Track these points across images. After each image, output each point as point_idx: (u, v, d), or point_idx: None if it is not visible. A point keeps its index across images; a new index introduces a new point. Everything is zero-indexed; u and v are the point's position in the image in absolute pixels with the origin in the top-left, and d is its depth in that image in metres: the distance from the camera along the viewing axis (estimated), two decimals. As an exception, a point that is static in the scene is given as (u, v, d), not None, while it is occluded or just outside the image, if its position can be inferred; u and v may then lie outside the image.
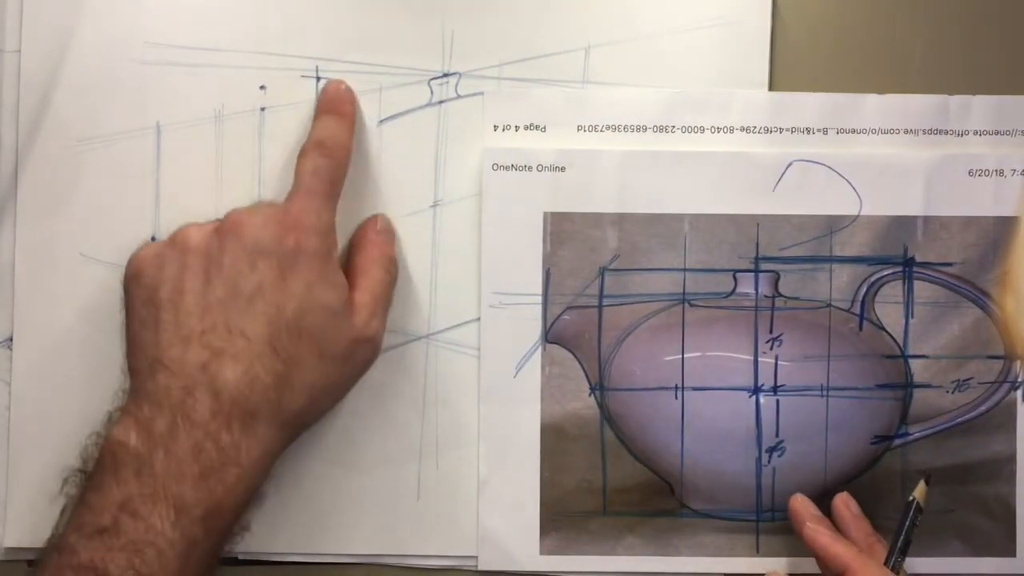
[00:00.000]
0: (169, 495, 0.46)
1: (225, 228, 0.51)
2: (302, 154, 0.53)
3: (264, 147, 0.56)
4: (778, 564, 0.56)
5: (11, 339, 0.55)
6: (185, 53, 0.55)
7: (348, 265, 0.54)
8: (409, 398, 0.56)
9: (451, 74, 0.56)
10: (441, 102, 0.56)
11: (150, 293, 0.50)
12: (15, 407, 0.55)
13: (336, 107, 0.54)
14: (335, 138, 0.53)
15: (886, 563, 0.52)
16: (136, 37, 0.55)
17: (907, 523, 0.53)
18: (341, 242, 0.54)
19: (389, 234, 0.55)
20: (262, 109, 0.55)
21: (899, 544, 0.53)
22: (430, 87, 0.56)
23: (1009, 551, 0.56)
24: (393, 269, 0.55)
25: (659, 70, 0.56)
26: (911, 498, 0.54)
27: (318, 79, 0.55)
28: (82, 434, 0.52)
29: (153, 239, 0.55)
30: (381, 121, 0.56)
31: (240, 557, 0.56)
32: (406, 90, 0.56)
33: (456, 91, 0.56)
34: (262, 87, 0.55)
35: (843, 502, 0.55)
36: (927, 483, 0.54)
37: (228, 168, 0.55)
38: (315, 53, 0.55)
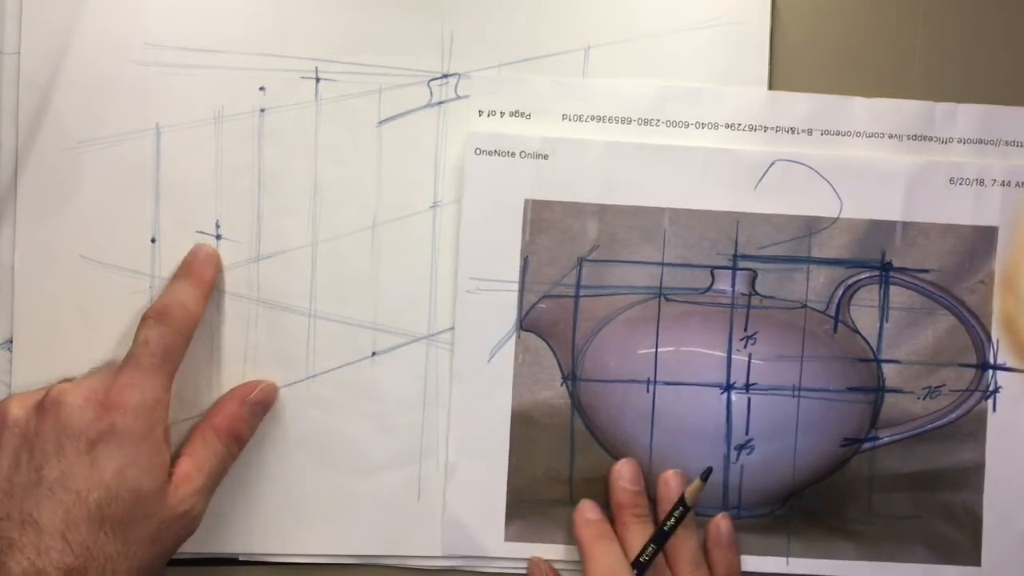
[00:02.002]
0: None
1: (44, 406, 0.50)
2: (143, 319, 0.52)
3: (264, 148, 0.56)
4: (742, 561, 0.56)
5: (11, 340, 0.55)
6: (185, 54, 0.55)
7: (197, 423, 0.54)
8: (410, 398, 0.56)
9: (451, 75, 0.56)
10: (441, 103, 0.56)
11: None
12: None
13: (193, 271, 0.54)
14: (182, 305, 0.53)
15: (640, 555, 0.52)
16: (136, 38, 0.55)
17: (669, 516, 0.53)
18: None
19: (256, 408, 0.54)
20: (262, 110, 0.55)
21: (654, 535, 0.53)
22: (430, 88, 0.56)
23: (974, 560, 0.57)
24: (235, 448, 0.54)
25: (659, 70, 0.56)
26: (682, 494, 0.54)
27: (318, 80, 0.55)
28: None
29: (153, 240, 0.55)
30: (381, 122, 0.56)
31: (240, 558, 0.56)
32: (406, 91, 0.56)
33: (456, 92, 0.56)
34: (262, 88, 0.55)
35: (715, 524, 0.55)
36: (703, 480, 0.53)
37: (228, 169, 0.55)
38: (315, 54, 0.55)
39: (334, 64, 0.56)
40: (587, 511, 0.55)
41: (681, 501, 0.53)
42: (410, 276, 0.56)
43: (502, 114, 0.56)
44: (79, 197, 0.55)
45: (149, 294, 0.55)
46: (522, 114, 0.56)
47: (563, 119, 0.56)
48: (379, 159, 0.56)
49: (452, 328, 0.56)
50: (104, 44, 0.55)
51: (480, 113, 0.56)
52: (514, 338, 0.56)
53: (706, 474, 0.53)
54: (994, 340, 0.57)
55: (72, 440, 0.49)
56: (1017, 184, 0.56)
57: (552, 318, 0.56)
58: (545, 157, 0.56)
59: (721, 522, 0.55)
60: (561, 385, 0.56)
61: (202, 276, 0.54)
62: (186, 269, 0.54)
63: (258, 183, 0.55)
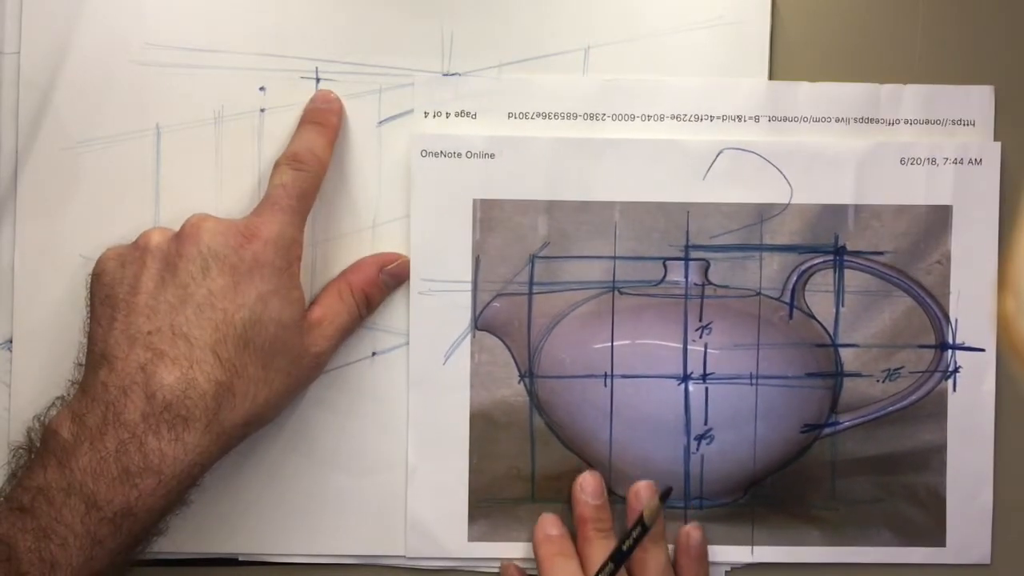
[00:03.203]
0: (84, 491, 0.47)
1: (185, 232, 0.51)
2: (276, 165, 0.53)
3: (264, 148, 0.56)
4: (709, 551, 0.56)
5: (11, 341, 0.55)
6: (185, 54, 0.55)
7: (333, 280, 0.55)
8: (409, 399, 0.56)
9: (451, 75, 0.56)
10: None
11: (108, 291, 0.51)
12: (15, 408, 0.55)
13: (319, 117, 0.55)
14: (311, 151, 0.53)
15: (598, 573, 0.52)
16: (136, 38, 0.55)
17: (627, 536, 0.53)
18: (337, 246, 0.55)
19: (391, 279, 0.55)
20: (262, 110, 0.56)
21: (612, 553, 0.52)
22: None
23: (939, 541, 0.56)
24: (365, 310, 0.55)
25: (659, 70, 0.56)
26: (641, 513, 0.53)
27: (318, 80, 0.55)
28: None
29: None
30: (380, 122, 0.56)
31: (240, 558, 0.56)
32: (405, 91, 0.56)
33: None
34: (262, 88, 0.56)
35: (686, 534, 0.55)
36: (662, 500, 0.53)
37: (228, 169, 0.56)
38: (315, 54, 0.56)
39: (334, 64, 0.56)
40: (548, 526, 0.55)
41: (640, 521, 0.53)
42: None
43: (447, 115, 0.56)
44: (79, 197, 0.55)
45: None
46: (468, 114, 0.56)
47: (509, 117, 0.56)
48: (379, 159, 0.56)
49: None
50: (104, 44, 0.55)
51: (426, 115, 0.56)
52: (469, 338, 0.56)
53: (665, 494, 0.53)
54: (952, 320, 0.56)
55: (216, 263, 0.50)
56: (970, 161, 0.56)
57: (506, 316, 0.56)
58: (492, 156, 0.56)
59: (692, 532, 0.55)
60: (519, 383, 0.56)
61: (328, 122, 0.55)
62: (312, 115, 0.55)
63: (258, 183, 0.55)
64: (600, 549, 0.54)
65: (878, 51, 0.57)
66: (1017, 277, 0.55)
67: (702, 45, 0.56)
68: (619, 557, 0.52)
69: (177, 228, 0.52)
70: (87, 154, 0.55)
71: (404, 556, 0.56)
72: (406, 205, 0.56)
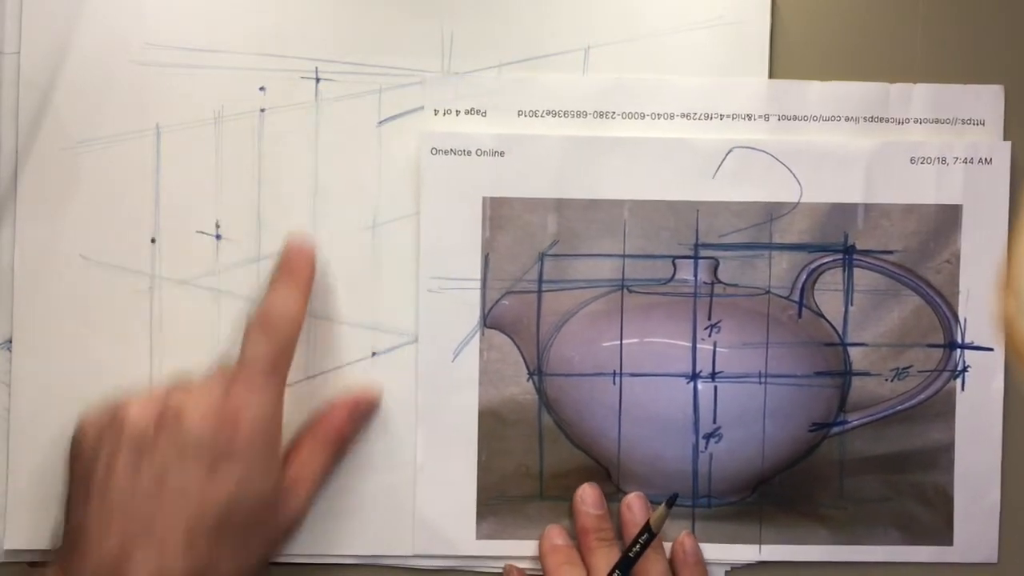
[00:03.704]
0: None
1: (164, 418, 0.50)
2: (248, 328, 0.52)
3: (264, 148, 0.56)
4: (713, 550, 0.56)
5: (11, 341, 0.55)
6: (185, 54, 0.55)
7: (302, 430, 0.54)
8: (409, 399, 0.56)
9: (459, 73, 0.56)
10: None
11: (86, 467, 0.50)
12: (15, 409, 0.55)
13: (291, 271, 0.54)
14: (284, 311, 0.52)
15: None
16: (136, 38, 0.55)
17: (635, 543, 0.53)
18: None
19: (361, 418, 0.55)
20: (262, 110, 0.55)
21: (619, 562, 0.53)
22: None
23: (946, 540, 0.56)
24: (340, 455, 0.55)
25: (659, 70, 0.56)
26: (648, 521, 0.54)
27: (318, 80, 0.55)
28: None
29: (153, 241, 0.55)
30: (380, 122, 0.56)
31: None
32: (405, 91, 0.56)
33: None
34: (262, 88, 0.55)
35: (680, 544, 0.55)
36: (668, 507, 0.53)
37: (228, 170, 0.55)
38: (315, 54, 0.55)
39: (334, 64, 0.55)
40: (554, 536, 0.55)
41: (647, 527, 0.53)
42: (410, 276, 0.56)
43: (457, 112, 0.56)
44: (79, 197, 0.55)
45: (149, 294, 0.55)
46: (478, 112, 0.56)
47: (519, 115, 0.56)
48: (379, 159, 0.56)
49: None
50: (104, 44, 0.55)
51: (435, 112, 0.56)
52: (478, 336, 0.56)
53: (671, 500, 0.54)
54: (961, 319, 0.56)
55: (193, 453, 0.49)
56: (980, 161, 0.56)
57: (515, 314, 0.56)
58: (501, 154, 0.56)
59: (686, 540, 0.55)
60: (527, 381, 0.56)
61: (300, 275, 0.54)
62: (284, 269, 0.54)
63: (258, 183, 0.55)
64: (604, 558, 0.54)
65: (879, 51, 0.57)
66: (1018, 278, 0.55)
67: (702, 45, 0.56)
68: (626, 564, 0.52)
69: (117, 401, 0.51)
70: (87, 154, 0.55)
71: (409, 555, 0.56)
72: (405, 205, 0.56)
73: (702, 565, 0.55)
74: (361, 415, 0.55)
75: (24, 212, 0.55)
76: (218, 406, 0.50)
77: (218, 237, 0.56)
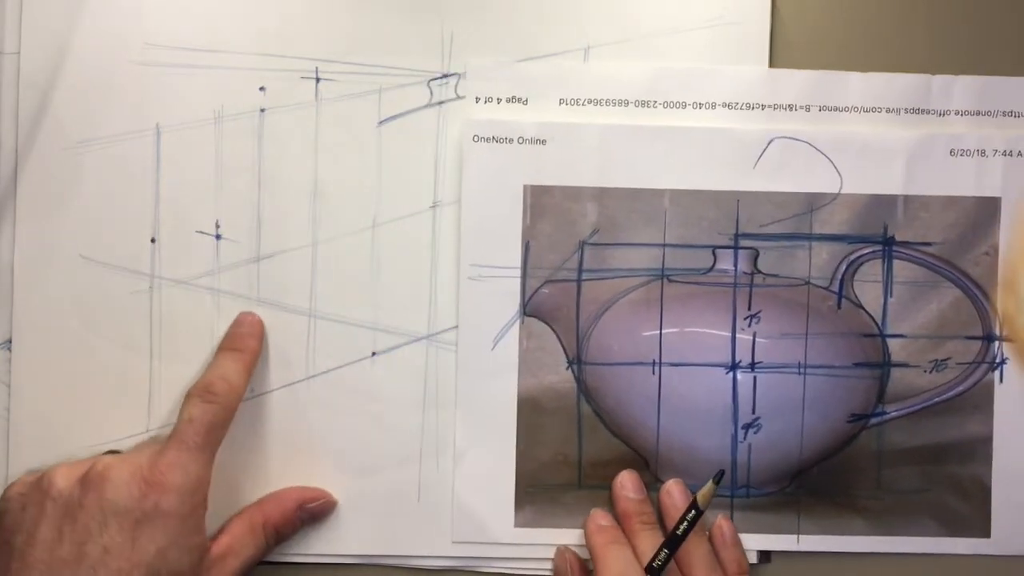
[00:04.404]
0: None
1: (89, 479, 0.50)
2: (188, 396, 0.52)
3: (263, 148, 0.55)
4: (751, 540, 0.56)
5: (10, 341, 0.55)
6: (185, 54, 0.55)
7: (249, 507, 0.54)
8: (410, 399, 0.56)
9: (451, 75, 0.56)
10: (441, 103, 0.56)
11: (8, 536, 0.50)
12: (15, 409, 0.55)
13: (237, 343, 0.54)
14: (224, 379, 0.53)
15: (653, 559, 0.52)
16: (136, 38, 0.55)
17: (682, 521, 0.53)
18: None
19: (311, 518, 0.55)
20: (261, 110, 0.55)
21: (667, 540, 0.53)
22: (429, 88, 0.56)
23: (984, 532, 0.57)
24: (274, 544, 0.54)
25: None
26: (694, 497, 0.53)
27: (318, 80, 0.55)
28: (82, 436, 0.54)
29: (153, 240, 0.55)
30: (380, 122, 0.56)
31: None
32: (405, 91, 0.56)
33: (456, 92, 0.56)
34: (262, 88, 0.55)
35: (719, 527, 0.55)
36: (716, 483, 0.53)
37: (227, 169, 0.55)
38: (315, 54, 0.55)
39: (334, 64, 0.55)
40: (599, 518, 0.55)
41: (694, 504, 0.53)
42: (410, 276, 0.56)
43: (499, 100, 0.56)
44: (79, 197, 0.55)
45: (149, 294, 0.55)
46: (519, 100, 0.56)
47: (560, 104, 0.56)
48: (379, 159, 0.56)
49: (454, 327, 0.56)
50: (104, 44, 0.55)
51: (477, 100, 0.56)
52: (518, 324, 0.56)
53: (718, 477, 0.53)
54: (1000, 311, 0.56)
55: (116, 518, 0.49)
56: (1019, 154, 0.56)
57: (555, 303, 0.56)
58: (543, 142, 0.56)
59: (724, 524, 0.55)
60: (566, 369, 0.56)
61: (246, 348, 0.54)
62: (230, 341, 0.55)
63: (258, 183, 0.55)
64: (647, 540, 0.54)
65: (880, 50, 0.57)
66: (1017, 278, 0.56)
67: (701, 45, 0.56)
68: (673, 542, 0.52)
69: (44, 468, 0.51)
70: (87, 154, 0.55)
71: (426, 555, 0.56)
72: (406, 205, 0.56)
73: (740, 545, 0.55)
74: (309, 513, 0.55)
75: (24, 212, 0.55)
76: (146, 468, 0.50)
77: (218, 237, 0.56)
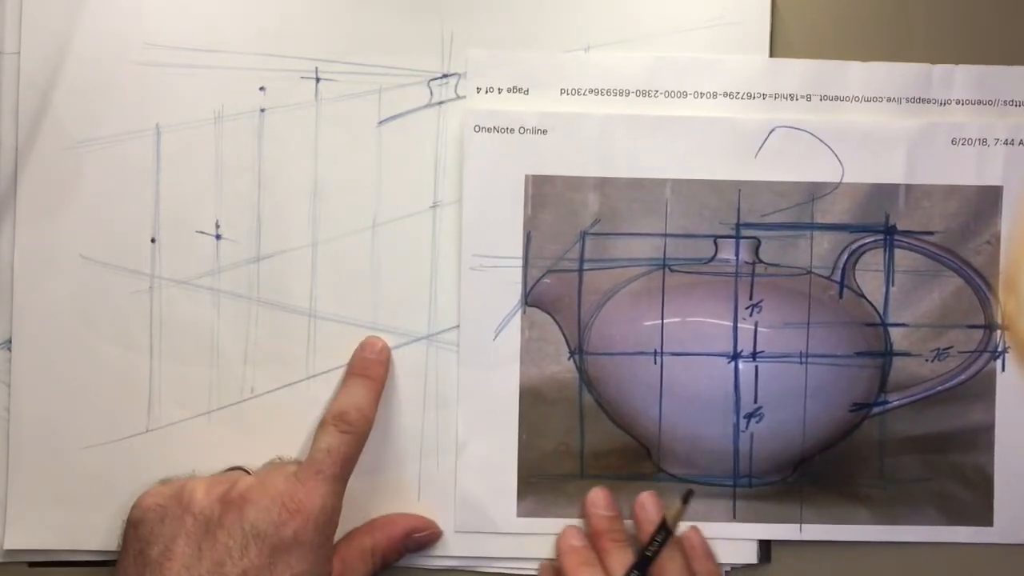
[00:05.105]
0: None
1: (231, 499, 0.50)
2: (323, 424, 0.53)
3: (264, 148, 0.56)
4: (754, 529, 0.56)
5: (10, 341, 0.55)
6: (185, 54, 0.55)
7: (361, 532, 0.55)
8: (410, 399, 0.56)
9: (451, 75, 0.56)
10: (441, 103, 0.56)
11: (143, 546, 0.50)
12: (15, 409, 0.55)
13: (367, 370, 0.55)
14: (358, 409, 0.53)
15: None
16: (136, 38, 0.55)
17: (651, 541, 0.53)
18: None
19: (418, 547, 0.55)
20: (262, 110, 0.55)
21: (637, 561, 0.52)
22: (429, 88, 0.56)
23: (986, 520, 0.56)
24: (381, 569, 0.55)
25: None
26: (663, 516, 0.54)
27: (318, 80, 0.55)
28: (82, 436, 0.54)
29: (153, 240, 0.55)
30: (380, 122, 0.56)
31: None
32: (406, 91, 0.56)
33: (456, 92, 0.56)
34: (262, 88, 0.55)
35: (688, 539, 0.55)
36: (684, 503, 0.53)
37: (227, 169, 0.55)
38: (315, 54, 0.55)
39: (334, 64, 0.55)
40: (571, 537, 0.55)
41: (663, 526, 0.53)
42: (410, 276, 0.56)
43: (500, 91, 0.56)
44: (79, 197, 0.55)
45: (149, 294, 0.55)
46: (520, 90, 0.56)
47: (561, 94, 0.56)
48: (379, 159, 0.56)
49: (455, 327, 0.56)
50: (104, 44, 0.55)
51: (478, 90, 0.56)
52: (519, 314, 0.56)
53: (687, 496, 0.54)
54: (1002, 300, 0.56)
55: (256, 541, 0.49)
56: (1020, 142, 0.56)
57: (557, 293, 0.56)
58: (544, 132, 0.56)
59: (693, 536, 0.55)
60: (568, 359, 0.56)
61: (376, 376, 0.55)
62: (360, 367, 0.55)
63: (258, 183, 0.55)
64: (618, 558, 0.53)
65: (880, 43, 0.57)
66: (1018, 278, 0.56)
67: (702, 45, 0.56)
68: (643, 563, 0.52)
69: (182, 481, 0.52)
70: (87, 154, 0.55)
71: (425, 555, 0.56)
72: (406, 205, 0.56)
73: (711, 555, 0.55)
74: (416, 543, 0.55)
75: (24, 212, 0.55)
76: (286, 494, 0.50)
77: (218, 237, 0.56)
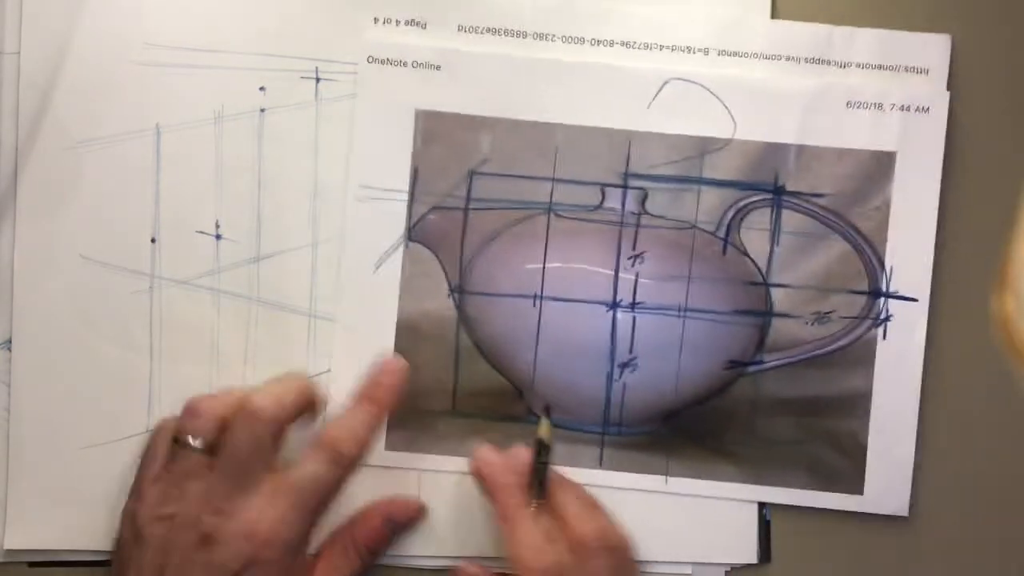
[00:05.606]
0: None
1: (204, 534, 0.49)
2: (316, 446, 0.51)
3: (263, 148, 0.56)
4: (619, 478, 0.56)
5: (10, 341, 0.55)
6: (185, 54, 0.55)
7: (339, 530, 0.54)
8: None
9: None
10: None
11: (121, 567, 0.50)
12: (15, 409, 0.55)
13: (378, 396, 0.53)
14: (356, 443, 0.51)
15: (535, 496, 0.52)
16: (136, 38, 0.55)
17: (535, 462, 0.52)
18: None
19: (400, 528, 0.55)
20: (262, 110, 0.56)
21: (532, 476, 0.52)
22: None
23: (857, 488, 0.56)
24: (370, 561, 0.54)
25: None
26: (537, 437, 0.53)
27: (317, 80, 0.55)
28: (82, 436, 0.55)
29: (153, 240, 0.56)
30: None
31: None
32: None
33: None
34: (262, 88, 0.56)
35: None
36: (547, 415, 0.53)
37: (227, 169, 0.56)
38: (315, 54, 0.55)
39: (334, 64, 0.56)
40: (506, 475, 0.53)
41: (540, 442, 0.53)
42: None
43: (397, 22, 0.56)
44: (79, 197, 0.55)
45: (149, 294, 0.56)
46: (417, 23, 0.56)
47: (459, 30, 0.56)
48: None
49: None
50: (104, 44, 0.55)
51: (376, 20, 0.56)
52: (402, 248, 0.56)
53: (547, 410, 0.54)
54: (888, 268, 0.56)
55: (218, 570, 0.48)
56: (917, 109, 0.56)
57: (441, 230, 0.56)
58: (438, 68, 0.56)
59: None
60: (448, 297, 0.56)
61: (383, 405, 0.53)
62: (371, 390, 0.53)
63: (258, 183, 0.56)
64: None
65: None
66: (1017, 276, 0.55)
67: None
68: (539, 484, 0.52)
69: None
70: (87, 154, 0.55)
71: (426, 555, 0.56)
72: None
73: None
74: (398, 525, 0.55)
75: (24, 212, 0.55)
76: (251, 528, 0.49)
77: (218, 237, 0.56)
